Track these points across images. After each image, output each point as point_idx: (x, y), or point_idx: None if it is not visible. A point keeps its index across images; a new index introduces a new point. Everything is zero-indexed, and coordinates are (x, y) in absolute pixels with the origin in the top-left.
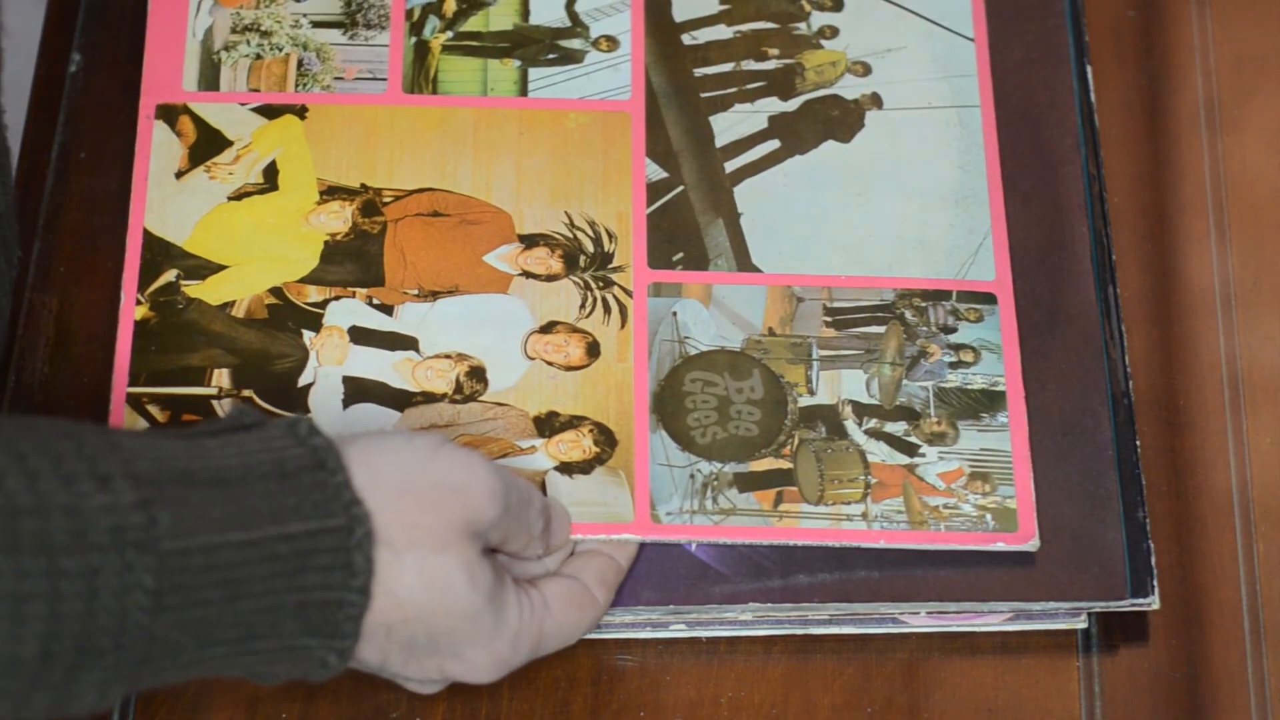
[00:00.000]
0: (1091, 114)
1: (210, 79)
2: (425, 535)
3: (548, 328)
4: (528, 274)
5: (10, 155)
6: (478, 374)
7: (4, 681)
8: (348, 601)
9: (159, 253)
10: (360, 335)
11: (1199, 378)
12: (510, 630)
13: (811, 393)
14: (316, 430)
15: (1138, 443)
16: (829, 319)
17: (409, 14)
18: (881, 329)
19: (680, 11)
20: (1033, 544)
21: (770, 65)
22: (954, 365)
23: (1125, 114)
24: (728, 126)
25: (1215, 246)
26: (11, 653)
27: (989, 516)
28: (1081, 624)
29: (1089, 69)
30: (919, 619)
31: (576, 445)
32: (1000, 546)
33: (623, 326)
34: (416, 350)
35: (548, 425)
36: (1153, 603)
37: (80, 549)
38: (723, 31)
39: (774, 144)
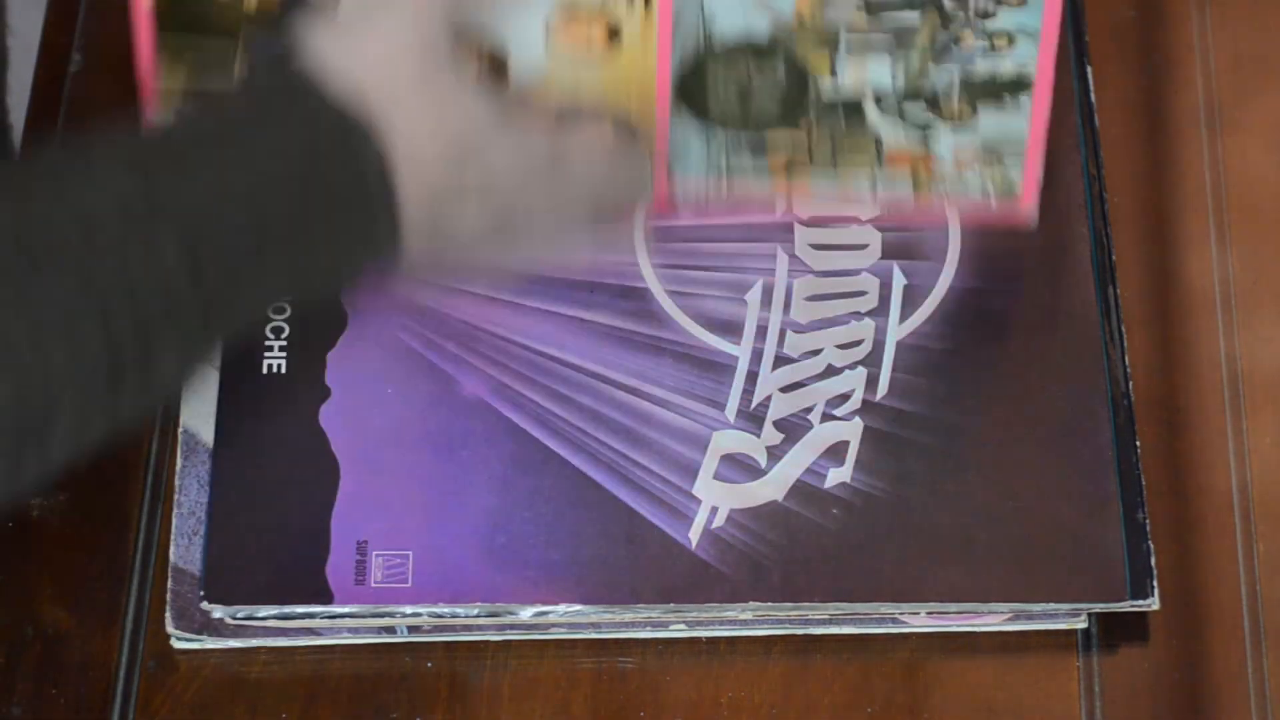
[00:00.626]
0: (1091, 114)
1: None
2: (410, 65)
3: (569, 12)
4: None
5: (14, 153)
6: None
7: (78, 369)
8: (376, 189)
9: None
10: None
11: (1199, 378)
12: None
13: (834, 77)
14: (290, 57)
15: (1137, 443)
16: (861, 4)
17: None
18: (916, 15)
19: None
20: (1031, 221)
21: None
22: (987, 52)
23: (1125, 114)
24: None
25: (1215, 246)
26: (76, 344)
27: (991, 187)
28: (1081, 624)
29: (1089, 69)
30: (919, 619)
31: None
32: (997, 217)
33: (646, 11)
34: None
35: (568, 116)
36: (1153, 603)
37: (99, 236)
38: None
39: None
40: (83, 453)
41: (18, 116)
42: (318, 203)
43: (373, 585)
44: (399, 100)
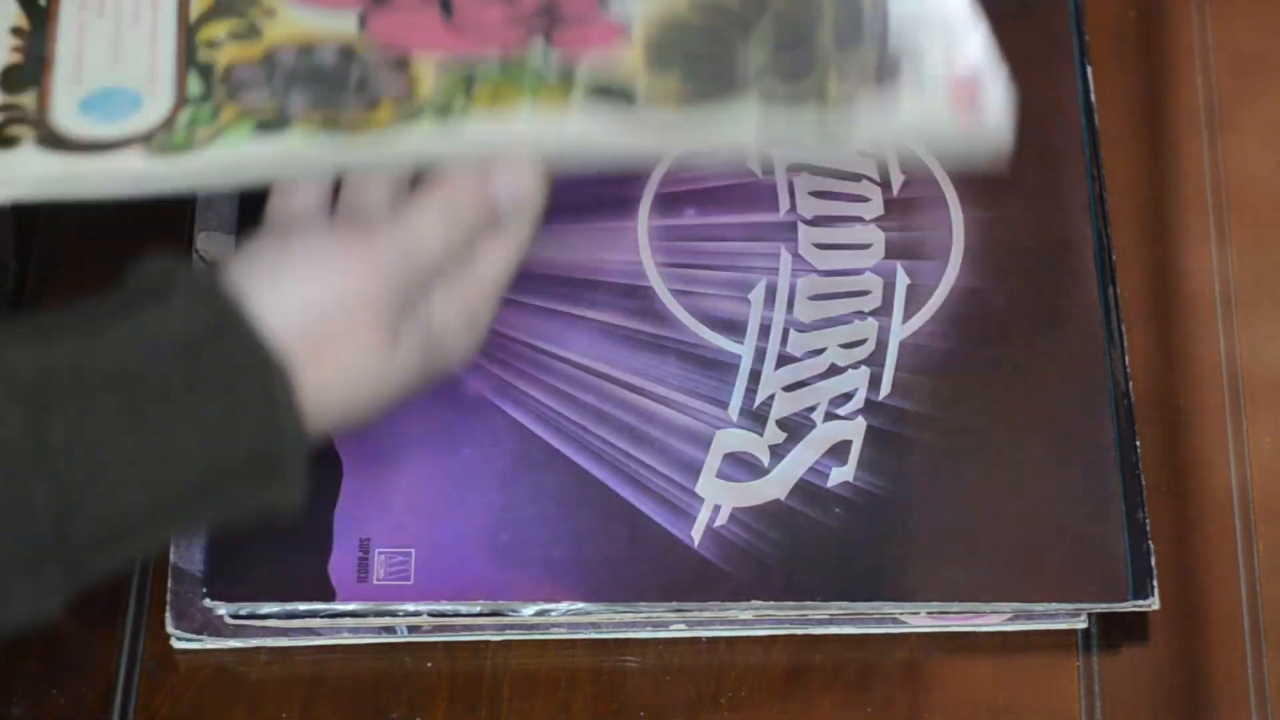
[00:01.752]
0: (1092, 114)
1: None
2: (333, 341)
3: None
4: None
5: None
6: None
7: None
8: (287, 449)
9: None
10: None
11: (1199, 378)
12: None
13: None
14: (216, 286)
15: (1138, 443)
16: None
17: None
18: None
19: None
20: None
21: None
22: None
23: (1125, 114)
24: None
25: (1215, 246)
26: None
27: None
28: (1081, 624)
29: (1089, 69)
30: (919, 619)
31: None
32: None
33: None
34: None
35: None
36: (1153, 603)
37: None
38: None
39: None
40: None
41: None
42: (220, 476)
43: (375, 583)
44: (325, 359)
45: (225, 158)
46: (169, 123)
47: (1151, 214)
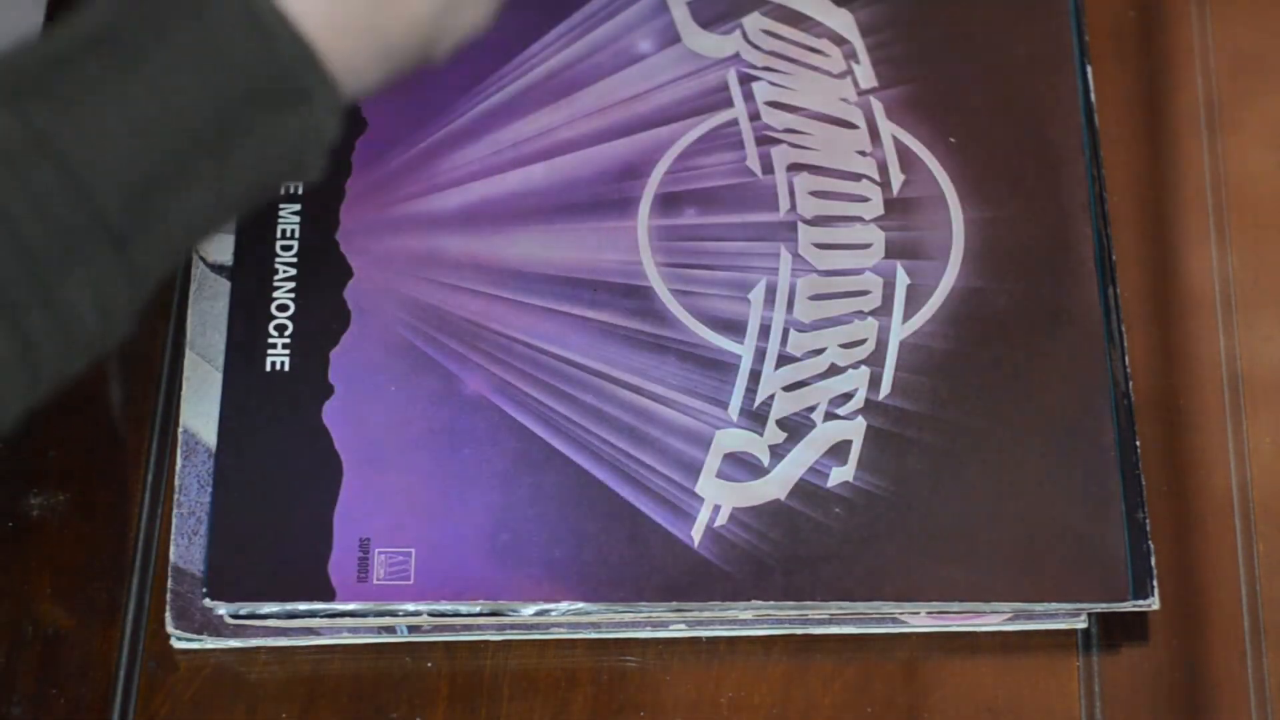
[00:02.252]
0: (1092, 114)
1: None
2: None
3: None
4: None
5: None
6: None
7: None
8: (291, 60)
9: None
10: None
11: (1199, 378)
12: None
13: None
14: None
15: (1138, 443)
16: None
17: None
18: None
19: None
20: None
21: None
22: None
23: (1125, 114)
24: None
25: (1215, 246)
26: None
27: None
28: (1081, 624)
29: (1089, 69)
30: (919, 619)
31: None
32: None
33: None
34: None
35: None
36: (1153, 603)
37: None
38: None
39: None
40: (28, 402)
41: None
42: (230, 109)
43: (375, 583)
44: None
45: None
46: None
47: (1151, 214)
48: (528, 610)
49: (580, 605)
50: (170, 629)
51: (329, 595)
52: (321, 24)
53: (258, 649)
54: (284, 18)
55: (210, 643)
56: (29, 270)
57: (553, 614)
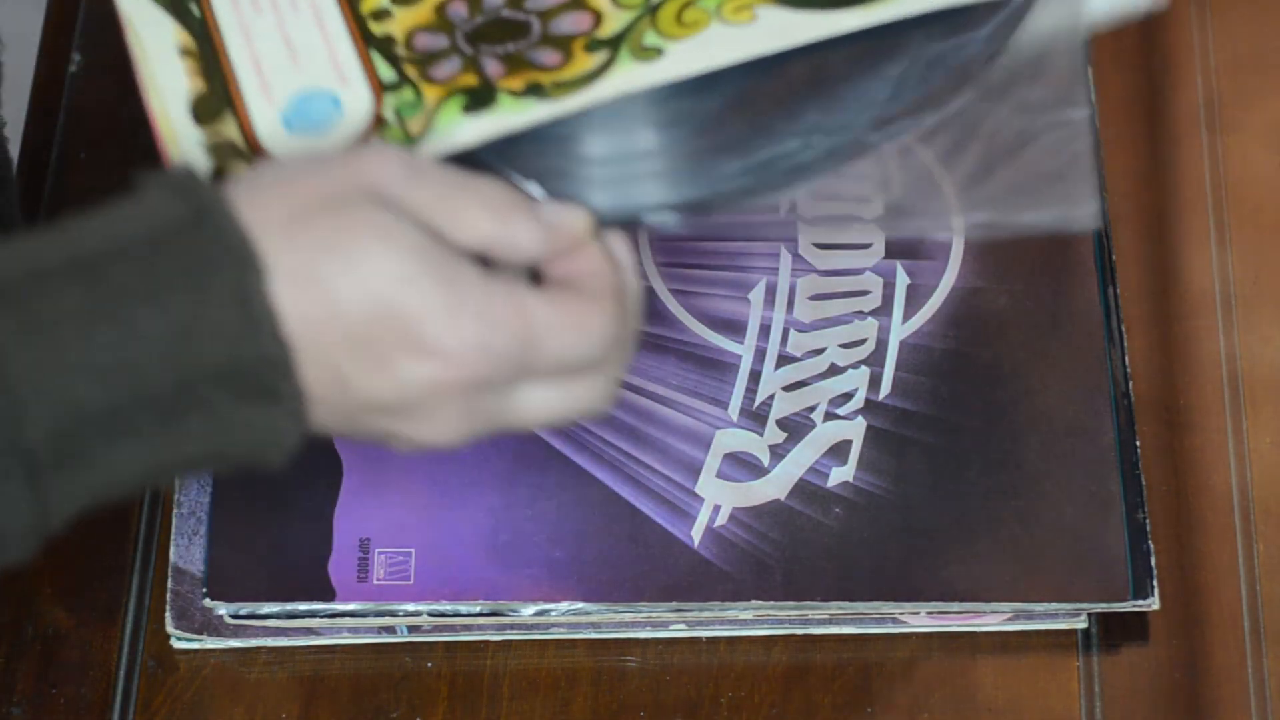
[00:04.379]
0: (1092, 115)
1: None
2: (317, 213)
3: None
4: None
5: (11, 166)
6: None
7: None
8: (267, 357)
9: None
10: None
11: (1199, 378)
12: (476, 295)
13: None
14: (195, 176)
15: (1138, 443)
16: None
17: None
18: None
19: None
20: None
21: None
22: None
23: (1125, 114)
24: None
25: (1215, 246)
26: None
27: None
28: (1081, 624)
29: (1089, 69)
30: (919, 619)
31: None
32: None
33: None
34: None
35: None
36: (1153, 603)
37: None
38: None
39: None
40: None
41: (17, 116)
42: (193, 382)
43: (375, 583)
44: (299, 250)
45: (443, 145)
46: (378, 120)
47: (1151, 214)
48: (528, 610)
49: (580, 605)
50: (170, 629)
51: (329, 595)
52: (305, 337)
53: (258, 649)
54: (273, 314)
55: (210, 643)
56: None
57: (553, 614)
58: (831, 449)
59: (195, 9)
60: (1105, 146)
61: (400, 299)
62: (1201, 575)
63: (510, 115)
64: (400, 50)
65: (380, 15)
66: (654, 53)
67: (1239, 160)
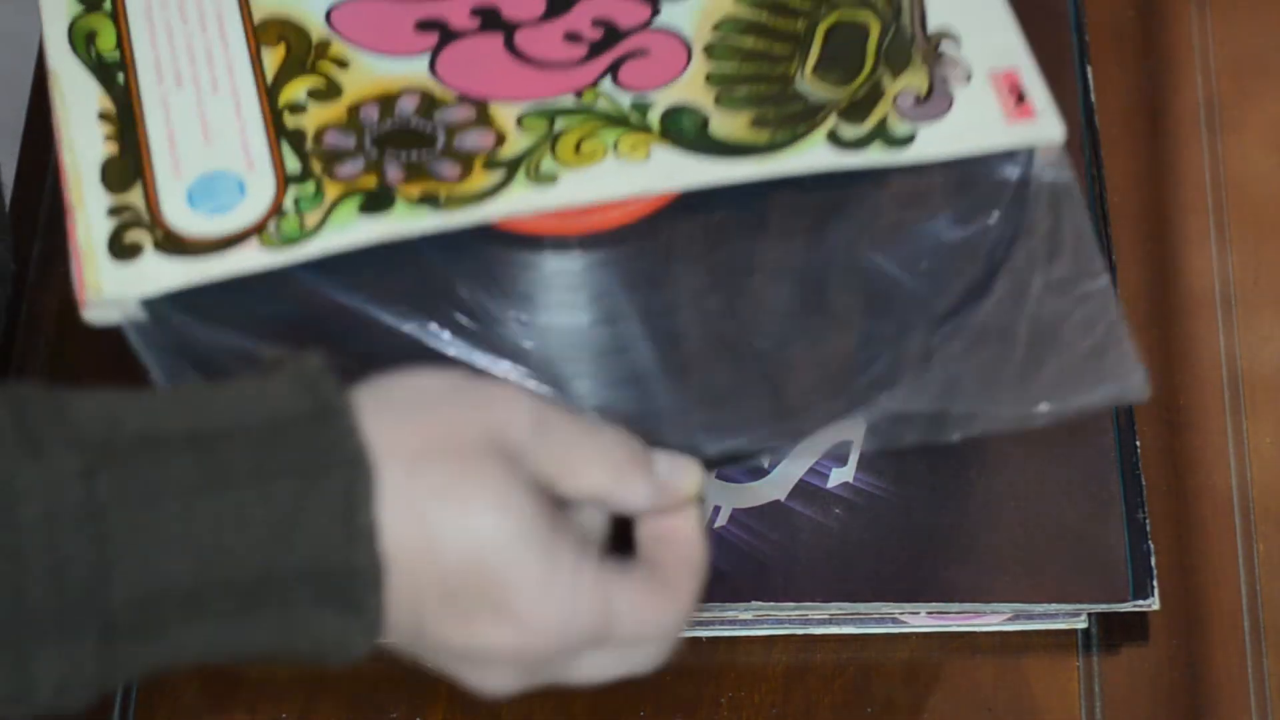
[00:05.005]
0: (1092, 114)
1: None
2: (440, 455)
3: None
4: None
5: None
6: None
7: None
8: (359, 569)
9: None
10: None
11: (1199, 378)
12: (567, 579)
13: None
14: (327, 373)
15: (1138, 443)
16: None
17: None
18: None
19: None
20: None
21: None
22: None
23: (1125, 114)
24: None
25: (1215, 246)
26: None
27: None
28: (1081, 624)
29: (1089, 69)
30: (919, 619)
31: None
32: None
33: None
34: None
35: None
36: (1153, 603)
37: (9, 528)
38: None
39: None
40: None
41: (17, 116)
42: (280, 576)
43: None
44: (416, 491)
45: (335, 241)
46: (277, 209)
47: (1151, 214)
48: None
49: None
50: None
51: None
52: (399, 564)
53: None
54: (374, 530)
55: None
56: (13, 624)
57: None
58: (831, 449)
59: (121, 76)
60: (1105, 146)
61: (496, 564)
62: (1201, 575)
63: (404, 221)
64: (309, 145)
65: (296, 108)
66: (549, 179)
67: (1239, 160)
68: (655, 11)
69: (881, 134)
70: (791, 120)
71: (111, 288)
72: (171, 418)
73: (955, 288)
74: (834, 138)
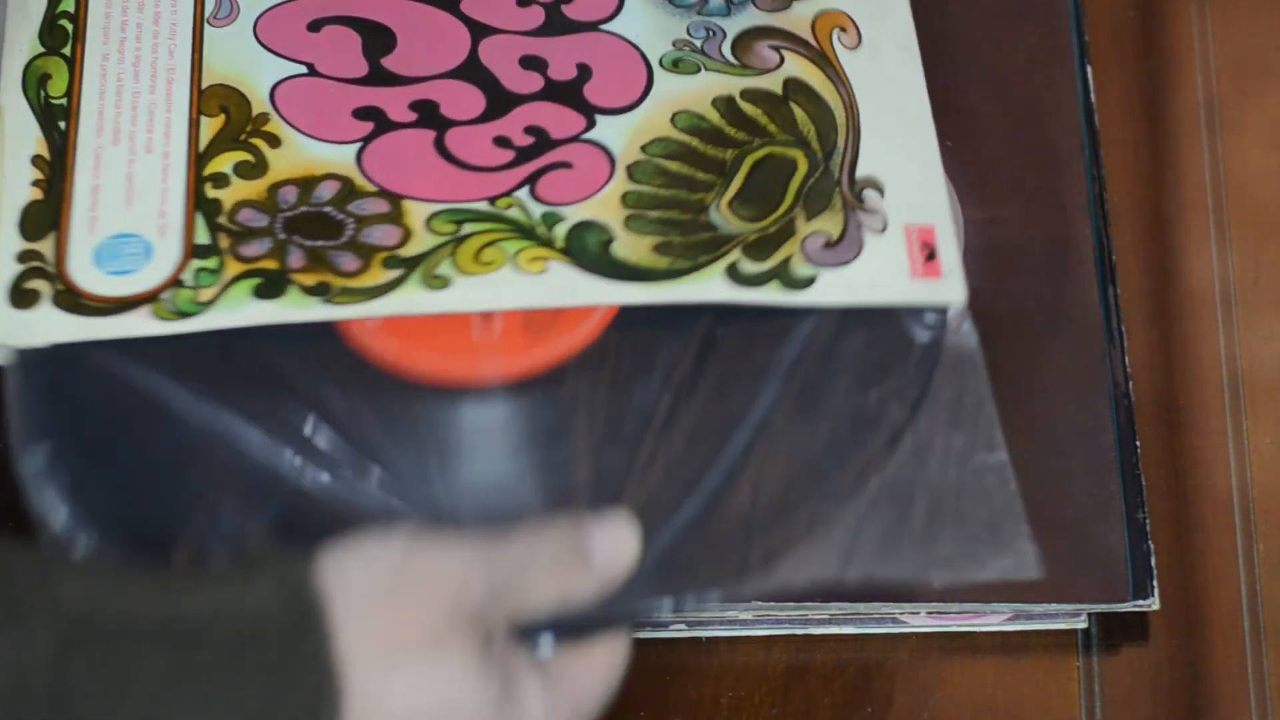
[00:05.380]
0: (1092, 114)
1: None
2: (412, 642)
3: None
4: None
5: None
6: None
7: None
8: None
9: None
10: None
11: (1199, 378)
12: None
13: None
14: (308, 576)
15: (1137, 443)
16: None
17: None
18: None
19: None
20: None
21: None
22: None
23: (1125, 114)
24: None
25: (1215, 246)
26: None
27: None
28: (1081, 624)
29: (1089, 69)
30: (919, 619)
31: None
32: None
33: None
34: None
35: None
36: (1153, 603)
37: None
38: None
39: None
40: None
41: None
42: None
43: None
44: (393, 684)
45: (224, 320)
46: (176, 279)
47: (1151, 214)
48: None
49: None
50: None
51: None
52: None
53: None
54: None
55: None
56: None
57: None
58: None
59: (64, 124)
60: (1105, 146)
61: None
62: (1201, 575)
63: (293, 309)
64: (223, 219)
65: (219, 181)
66: (442, 282)
67: (1239, 160)
68: (590, 124)
69: (782, 273)
70: (695, 249)
71: (1, 332)
72: (152, 604)
73: (857, 453)
74: (733, 271)
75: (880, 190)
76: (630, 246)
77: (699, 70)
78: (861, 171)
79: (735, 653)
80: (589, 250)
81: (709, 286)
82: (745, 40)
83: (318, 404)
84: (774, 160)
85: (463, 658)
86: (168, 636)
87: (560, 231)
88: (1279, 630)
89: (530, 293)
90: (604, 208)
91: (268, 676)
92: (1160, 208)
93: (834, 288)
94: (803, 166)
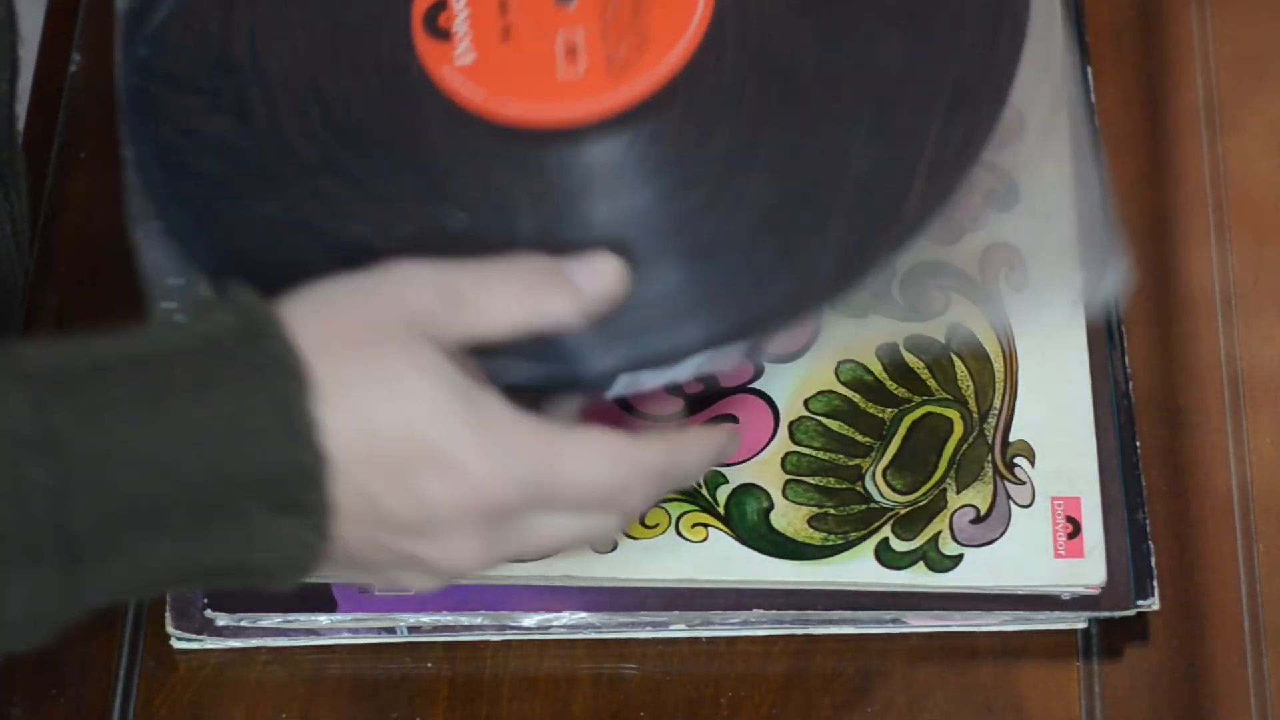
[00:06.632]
0: (1092, 114)
1: None
2: (363, 342)
3: None
4: None
5: (21, 160)
6: None
7: None
8: (304, 465)
9: None
10: None
11: (1199, 378)
12: (505, 429)
13: None
14: (257, 297)
15: (1137, 443)
16: None
17: None
18: None
19: None
20: None
21: None
22: None
23: (1125, 114)
24: None
25: (1215, 246)
26: None
27: None
28: (1081, 624)
29: (1089, 69)
30: (919, 619)
31: None
32: None
33: None
34: None
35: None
36: (1153, 603)
37: None
38: None
39: None
40: None
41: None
42: (231, 486)
43: (377, 593)
44: (346, 379)
45: None
46: None
47: (1151, 214)
48: (529, 620)
49: (582, 615)
50: (170, 629)
51: (330, 607)
52: (340, 452)
53: (258, 649)
54: (312, 425)
55: (210, 643)
56: None
57: (555, 624)
58: None
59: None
60: (1105, 146)
61: (433, 429)
62: (1201, 575)
63: None
64: None
65: None
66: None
67: (1239, 160)
68: (758, 373)
69: (929, 552)
70: (848, 524)
71: None
72: (114, 348)
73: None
74: (882, 551)
75: (1031, 458)
76: (788, 518)
77: (867, 314)
78: (1015, 434)
79: (735, 653)
80: (749, 517)
81: (859, 568)
82: (914, 278)
83: (413, 154)
84: (931, 419)
85: (419, 351)
86: (134, 369)
87: (723, 494)
88: (1279, 630)
89: (690, 563)
90: (765, 471)
91: (233, 384)
92: (1160, 208)
93: (978, 569)
94: (958, 429)
